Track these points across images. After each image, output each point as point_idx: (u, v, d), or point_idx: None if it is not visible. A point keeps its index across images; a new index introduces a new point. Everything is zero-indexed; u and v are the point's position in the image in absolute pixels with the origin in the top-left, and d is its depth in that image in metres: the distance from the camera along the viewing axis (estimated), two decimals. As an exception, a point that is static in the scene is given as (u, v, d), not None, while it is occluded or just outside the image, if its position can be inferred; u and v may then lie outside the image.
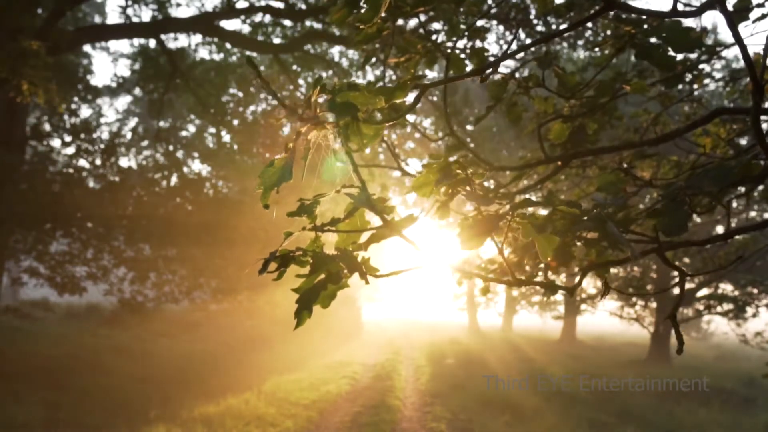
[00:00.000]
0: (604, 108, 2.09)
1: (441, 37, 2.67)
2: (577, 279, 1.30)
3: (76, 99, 15.58)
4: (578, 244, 1.17)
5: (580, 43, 11.97)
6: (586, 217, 1.04)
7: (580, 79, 2.19)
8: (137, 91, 26.82)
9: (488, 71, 1.59)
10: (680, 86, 3.54)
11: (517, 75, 2.32)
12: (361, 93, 0.98)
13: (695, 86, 2.65)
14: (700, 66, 2.75)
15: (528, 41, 12.15)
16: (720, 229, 20.59)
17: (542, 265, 3.24)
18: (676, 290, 21.96)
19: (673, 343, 23.57)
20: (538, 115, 2.46)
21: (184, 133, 23.73)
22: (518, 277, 1.14)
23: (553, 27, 9.40)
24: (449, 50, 2.02)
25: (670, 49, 1.51)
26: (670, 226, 1.06)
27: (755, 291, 19.20)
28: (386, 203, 1.04)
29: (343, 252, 1.08)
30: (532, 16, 10.08)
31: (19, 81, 5.47)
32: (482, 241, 1.11)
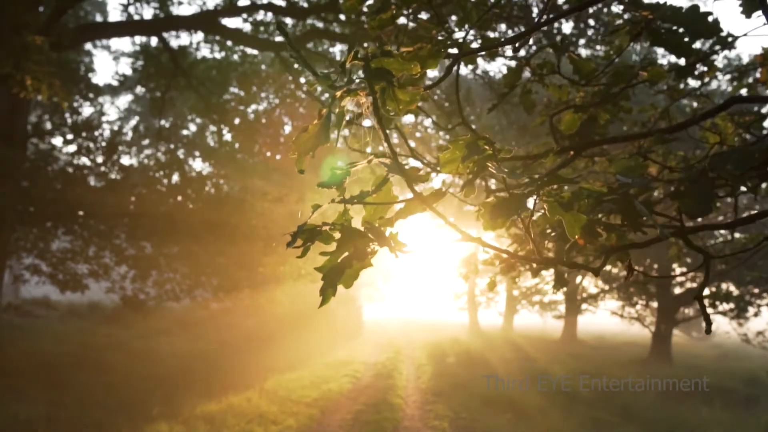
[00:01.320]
0: (617, 96, 2.07)
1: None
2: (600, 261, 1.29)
3: (77, 97, 15.56)
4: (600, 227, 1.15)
5: (582, 42, 11.91)
6: (611, 196, 1.03)
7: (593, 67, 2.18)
8: (138, 89, 26.85)
9: (521, 41, 1.58)
10: (689, 80, 3.53)
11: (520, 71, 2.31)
12: (395, 59, 0.98)
13: (707, 78, 2.64)
14: (712, 57, 2.74)
15: (531, 40, 12.13)
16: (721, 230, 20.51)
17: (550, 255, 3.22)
18: (675, 288, 21.97)
19: (675, 342, 23.56)
20: (546, 107, 2.44)
21: (185, 132, 23.74)
22: (547, 256, 1.12)
23: (559, 22, 9.35)
24: (461, 39, 2.01)
25: (686, 35, 1.49)
26: (694, 207, 1.05)
27: (756, 290, 19.16)
28: (419, 173, 1.03)
29: (372, 226, 1.06)
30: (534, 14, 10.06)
31: (22, 76, 5.46)
32: (507, 220, 1.09)
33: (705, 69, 2.49)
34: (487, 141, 1.06)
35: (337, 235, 1.06)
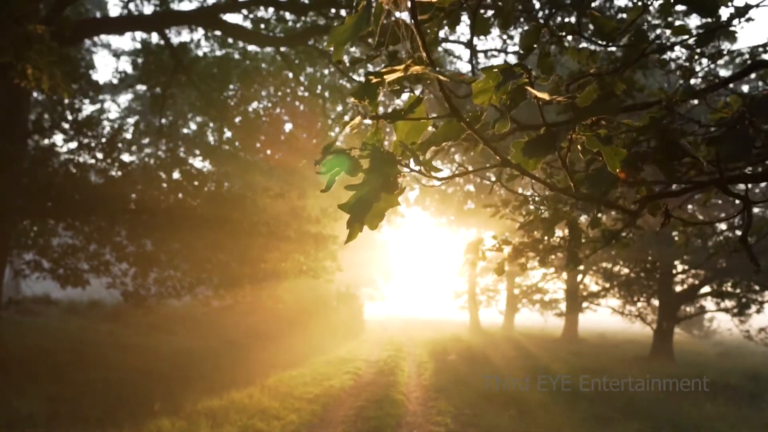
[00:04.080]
0: (638, 62, 2.01)
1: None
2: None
3: (78, 95, 15.49)
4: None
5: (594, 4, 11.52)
6: (651, 132, 0.98)
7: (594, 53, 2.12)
8: (138, 88, 26.81)
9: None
10: (697, 66, 3.49)
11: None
12: (433, -48, 0.93)
13: (731, 43, 2.58)
14: (731, 24, 2.70)
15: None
16: (722, 226, 20.51)
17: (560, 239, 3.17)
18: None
19: (676, 340, 23.54)
20: (557, 86, 2.38)
21: (185, 131, 23.69)
22: (583, 193, 1.07)
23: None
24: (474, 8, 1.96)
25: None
26: (733, 151, 0.99)
27: (757, 287, 19.11)
28: (463, 77, 0.97)
29: (405, 146, 1.00)
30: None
31: (23, 66, 5.41)
32: (543, 157, 1.04)
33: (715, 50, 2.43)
34: (523, 67, 1.00)
35: (365, 164, 1.00)
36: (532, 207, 2.87)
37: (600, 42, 1.77)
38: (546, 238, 3.22)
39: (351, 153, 0.98)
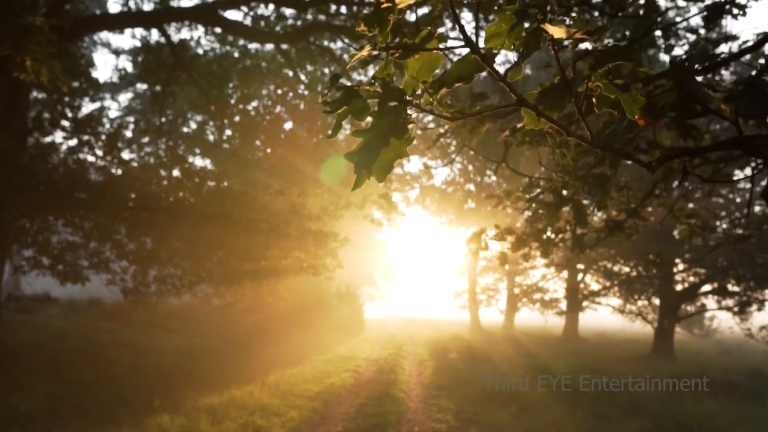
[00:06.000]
0: (645, 37, 1.96)
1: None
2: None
3: (78, 93, 15.46)
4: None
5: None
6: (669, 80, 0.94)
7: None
8: (138, 87, 26.79)
9: None
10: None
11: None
12: None
13: (740, 15, 2.54)
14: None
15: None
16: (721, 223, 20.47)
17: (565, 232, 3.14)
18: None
19: (677, 339, 23.52)
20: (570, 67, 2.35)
21: (185, 130, 23.69)
22: (601, 143, 1.04)
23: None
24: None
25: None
26: (752, 107, 0.95)
27: (753, 284, 19.06)
28: None
29: (416, 80, 0.95)
30: None
31: (22, 58, 5.37)
32: (560, 106, 1.00)
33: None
34: (538, 7, 0.95)
35: (374, 108, 0.95)
36: (538, 191, 2.83)
37: (609, 12, 1.73)
38: (549, 228, 3.19)
39: (359, 90, 0.93)
